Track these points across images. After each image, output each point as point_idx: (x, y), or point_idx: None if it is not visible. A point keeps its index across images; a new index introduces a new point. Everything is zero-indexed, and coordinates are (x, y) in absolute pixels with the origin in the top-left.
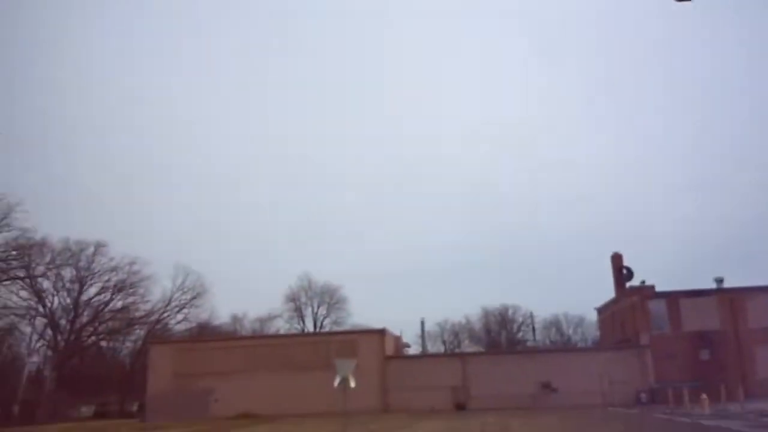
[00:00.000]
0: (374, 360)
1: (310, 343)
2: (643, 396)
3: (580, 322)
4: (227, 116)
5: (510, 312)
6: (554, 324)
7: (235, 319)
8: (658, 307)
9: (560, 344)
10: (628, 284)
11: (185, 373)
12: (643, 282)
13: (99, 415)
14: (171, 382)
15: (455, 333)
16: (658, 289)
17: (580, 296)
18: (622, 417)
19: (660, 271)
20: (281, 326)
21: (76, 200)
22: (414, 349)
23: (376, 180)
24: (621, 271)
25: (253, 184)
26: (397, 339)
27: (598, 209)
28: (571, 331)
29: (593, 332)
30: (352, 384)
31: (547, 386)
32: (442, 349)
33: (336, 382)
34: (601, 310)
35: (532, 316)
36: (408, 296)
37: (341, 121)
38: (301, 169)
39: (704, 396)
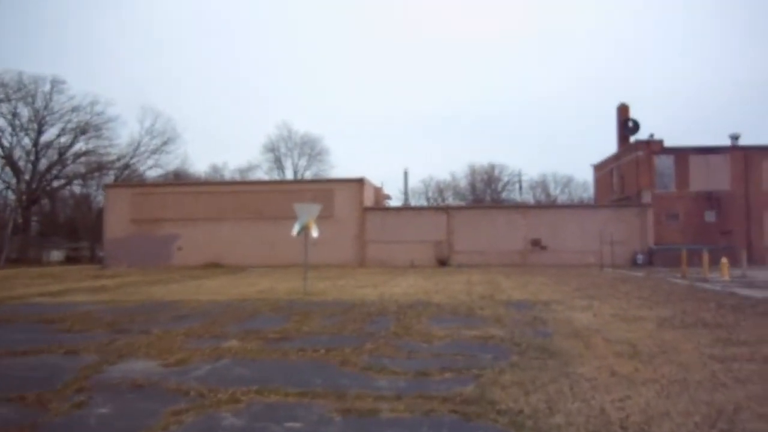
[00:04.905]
0: (352, 211)
1: (283, 191)
2: (640, 257)
3: (567, 182)
4: None
5: (497, 171)
6: (540, 184)
7: (215, 169)
8: (664, 163)
9: (547, 203)
10: (632, 138)
11: (144, 219)
12: (652, 135)
13: (70, 259)
14: (129, 228)
15: (440, 190)
16: (666, 145)
17: (569, 156)
18: (632, 280)
19: (668, 129)
20: (261, 177)
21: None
22: (396, 204)
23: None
24: (626, 124)
25: (230, 23)
26: (378, 190)
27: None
28: (558, 191)
29: (581, 193)
30: (315, 233)
31: (536, 243)
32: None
33: (295, 231)
34: (598, 167)
35: (520, 174)
36: (393, 151)
37: None
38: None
39: (725, 260)
